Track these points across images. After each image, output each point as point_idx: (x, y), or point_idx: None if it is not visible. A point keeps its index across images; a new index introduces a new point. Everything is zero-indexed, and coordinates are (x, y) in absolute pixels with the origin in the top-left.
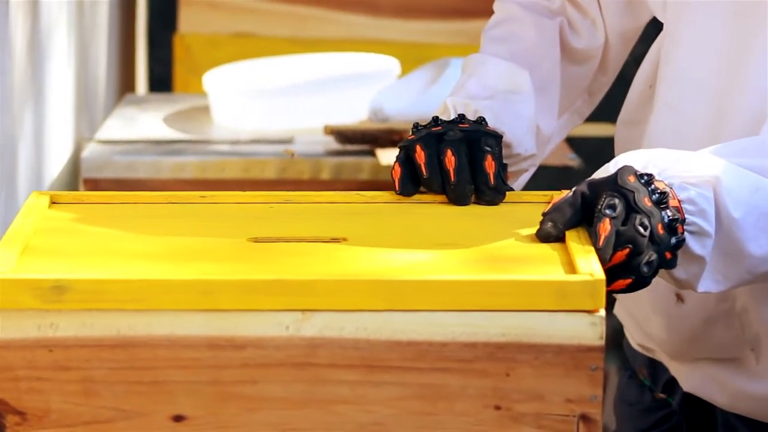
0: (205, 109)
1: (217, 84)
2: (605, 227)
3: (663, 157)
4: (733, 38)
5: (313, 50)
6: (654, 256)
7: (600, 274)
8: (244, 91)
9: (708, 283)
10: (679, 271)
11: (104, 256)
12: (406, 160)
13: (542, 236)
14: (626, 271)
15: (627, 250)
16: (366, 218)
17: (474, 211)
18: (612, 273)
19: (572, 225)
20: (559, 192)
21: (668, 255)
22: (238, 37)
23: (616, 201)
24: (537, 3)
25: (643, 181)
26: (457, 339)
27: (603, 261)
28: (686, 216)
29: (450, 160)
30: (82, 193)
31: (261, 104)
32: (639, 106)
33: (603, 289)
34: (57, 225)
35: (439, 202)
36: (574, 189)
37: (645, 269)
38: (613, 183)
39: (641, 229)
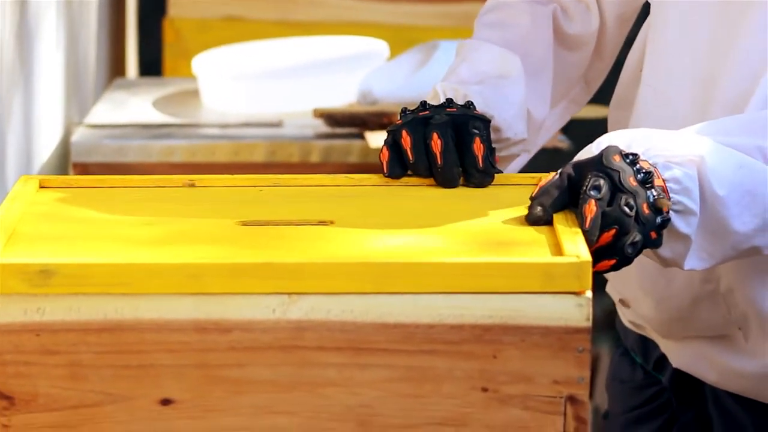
0: (195, 93)
1: (207, 68)
2: (591, 209)
3: (646, 136)
4: (719, 21)
5: (302, 33)
6: (638, 237)
7: (586, 255)
8: (233, 75)
9: (693, 261)
10: (664, 250)
11: (92, 240)
12: (393, 144)
13: (531, 220)
14: (611, 252)
15: (613, 231)
16: (354, 201)
17: (462, 193)
18: (597, 254)
19: (560, 207)
20: (546, 174)
21: (653, 234)
22: (227, 21)
23: (602, 182)
24: None
25: (628, 160)
26: (444, 321)
27: (589, 242)
28: (671, 195)
29: (436, 143)
30: (71, 177)
31: (250, 88)
32: (630, 88)
33: (589, 271)
34: (45, 209)
35: (427, 185)
36: (560, 171)
37: (629, 250)
38: (599, 163)
39: (627, 210)
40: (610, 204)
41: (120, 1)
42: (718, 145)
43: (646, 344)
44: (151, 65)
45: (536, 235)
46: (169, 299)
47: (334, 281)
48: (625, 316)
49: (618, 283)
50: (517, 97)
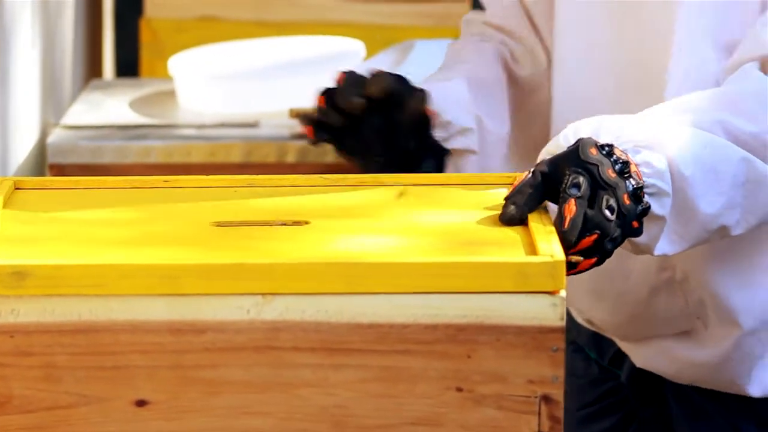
0: (171, 94)
1: (183, 68)
2: (570, 208)
3: (611, 122)
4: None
5: (278, 33)
6: (617, 233)
7: (560, 255)
8: (209, 75)
9: (664, 245)
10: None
11: (67, 241)
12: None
13: (505, 220)
14: (592, 252)
15: (595, 236)
16: (329, 201)
17: (436, 194)
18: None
19: (534, 206)
20: (521, 174)
21: (635, 224)
22: (204, 21)
23: (581, 179)
24: (477, 36)
25: (604, 152)
26: (418, 321)
27: (567, 244)
28: (644, 179)
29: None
30: (46, 179)
31: (226, 88)
32: None
33: (563, 271)
34: (20, 211)
35: (402, 184)
36: (532, 169)
37: (609, 246)
38: (576, 158)
39: (608, 214)
40: (590, 201)
41: (96, 2)
42: (682, 125)
43: (601, 340)
44: (128, 66)
45: (510, 234)
46: (143, 300)
47: (308, 282)
48: (580, 315)
49: (568, 295)
50: (458, 92)
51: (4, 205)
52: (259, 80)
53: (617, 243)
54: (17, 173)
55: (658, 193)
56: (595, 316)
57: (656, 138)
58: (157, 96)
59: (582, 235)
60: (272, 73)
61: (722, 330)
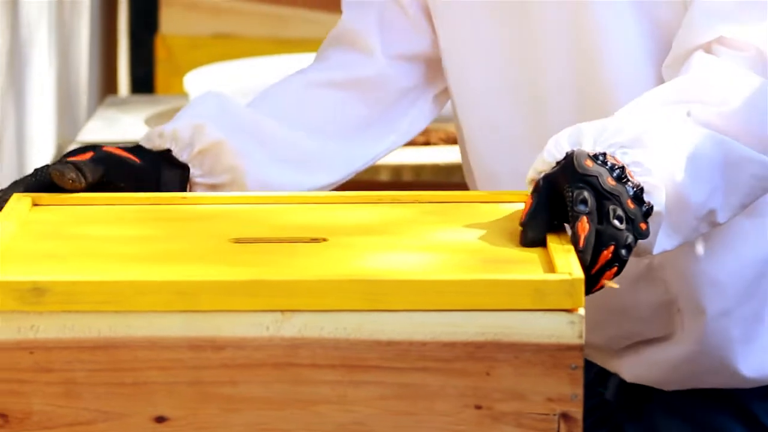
0: None
1: (199, 85)
2: (584, 227)
3: (589, 128)
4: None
5: (294, 51)
6: (630, 238)
7: (579, 273)
8: (225, 92)
9: (663, 241)
10: None
11: (86, 257)
12: None
13: (527, 245)
14: (610, 264)
15: (612, 248)
16: (347, 218)
17: (453, 211)
18: (599, 270)
19: (548, 227)
20: (526, 194)
21: (643, 226)
22: (219, 38)
23: (585, 193)
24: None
25: (599, 161)
26: (437, 338)
27: (585, 262)
28: (637, 178)
29: None
30: (63, 195)
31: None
32: None
33: (581, 288)
34: (38, 227)
35: (419, 202)
36: (535, 190)
37: (624, 254)
38: (573, 172)
39: (617, 223)
40: (597, 213)
41: (112, 19)
42: (656, 119)
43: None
44: (143, 82)
45: (528, 252)
46: (162, 317)
47: (327, 298)
48: None
49: None
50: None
51: (23, 222)
52: None
53: (631, 249)
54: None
55: (653, 190)
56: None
57: (637, 136)
58: (172, 112)
59: (598, 251)
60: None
61: (694, 319)
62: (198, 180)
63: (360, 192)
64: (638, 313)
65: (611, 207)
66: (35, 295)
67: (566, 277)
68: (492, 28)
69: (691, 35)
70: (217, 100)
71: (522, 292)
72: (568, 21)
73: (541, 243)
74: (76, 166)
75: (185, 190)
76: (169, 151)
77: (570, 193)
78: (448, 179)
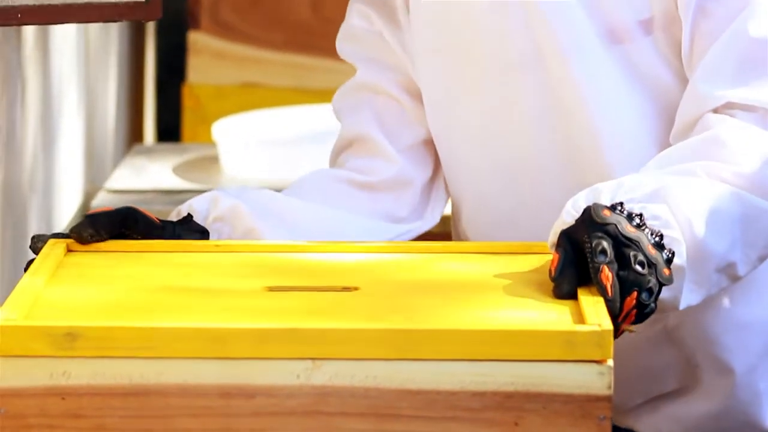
0: (214, 159)
1: (227, 134)
2: (607, 276)
3: (606, 186)
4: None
5: (317, 100)
6: (653, 282)
7: (608, 324)
8: (254, 141)
9: (687, 295)
10: (663, 291)
11: (118, 303)
12: None
13: (561, 297)
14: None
15: (635, 294)
16: (378, 267)
17: (484, 261)
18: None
19: (577, 281)
20: (546, 248)
21: (666, 272)
22: (245, 87)
23: (604, 243)
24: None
25: (617, 211)
26: (466, 388)
27: (614, 311)
28: (659, 230)
29: None
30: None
31: (270, 154)
32: None
33: (611, 340)
34: (72, 272)
35: (448, 252)
36: (559, 245)
37: (645, 296)
38: (592, 223)
39: (640, 269)
40: (618, 261)
41: (139, 68)
42: (672, 176)
43: None
44: (169, 131)
45: (557, 303)
46: (194, 363)
47: (357, 347)
48: None
49: None
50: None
51: (58, 267)
52: (303, 146)
53: (653, 293)
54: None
55: (672, 243)
56: None
57: (654, 190)
58: (199, 161)
59: (623, 298)
60: (314, 140)
61: (718, 376)
62: None
63: (392, 242)
64: (655, 372)
65: (632, 253)
66: (68, 340)
67: (596, 328)
68: (478, 111)
69: (697, 105)
70: (231, 189)
71: (552, 343)
72: (552, 105)
73: (574, 296)
74: (93, 221)
75: None
76: (188, 217)
77: (589, 245)
78: None
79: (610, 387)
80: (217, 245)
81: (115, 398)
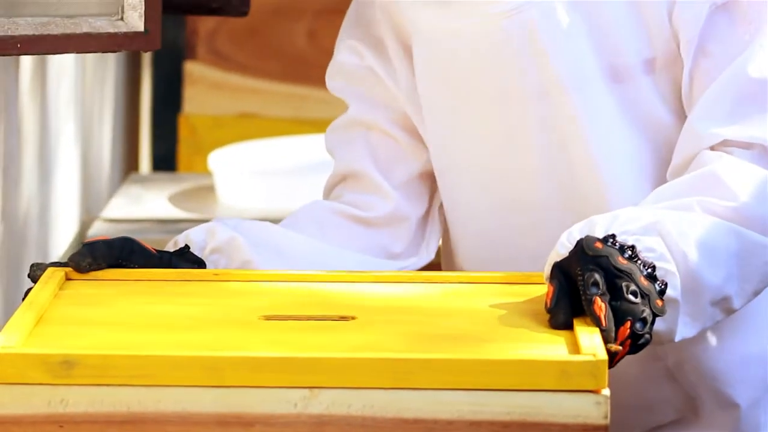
0: (210, 189)
1: (223, 164)
2: (600, 306)
3: (601, 219)
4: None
5: (313, 130)
6: (647, 312)
7: (603, 354)
8: (250, 171)
9: (682, 328)
10: (658, 323)
11: (116, 332)
12: None
13: (557, 328)
14: (626, 339)
15: (628, 323)
16: (375, 297)
17: (480, 291)
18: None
19: (573, 311)
20: (541, 279)
21: (659, 303)
22: (241, 118)
23: (596, 276)
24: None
25: (609, 243)
26: (463, 417)
27: (609, 340)
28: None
29: None
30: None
31: (267, 184)
32: None
33: (606, 369)
34: (71, 301)
35: (445, 282)
36: (553, 277)
37: (638, 326)
38: (583, 255)
39: (633, 298)
40: (611, 292)
41: (135, 98)
42: (668, 210)
43: None
44: (164, 160)
45: (552, 333)
46: (191, 392)
47: (354, 376)
48: None
49: None
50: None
51: (56, 295)
52: (299, 176)
53: (648, 324)
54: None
55: (667, 276)
56: None
57: (649, 224)
58: (195, 191)
59: (617, 327)
60: (311, 170)
61: (721, 410)
62: None
63: (388, 271)
64: (653, 403)
65: (624, 284)
66: (65, 368)
67: (590, 358)
68: (481, 147)
69: (694, 142)
70: (229, 221)
71: (547, 373)
72: (553, 142)
73: (570, 326)
74: (92, 249)
75: None
76: (184, 248)
77: (581, 278)
78: None
79: (606, 416)
80: (215, 274)
81: (113, 426)
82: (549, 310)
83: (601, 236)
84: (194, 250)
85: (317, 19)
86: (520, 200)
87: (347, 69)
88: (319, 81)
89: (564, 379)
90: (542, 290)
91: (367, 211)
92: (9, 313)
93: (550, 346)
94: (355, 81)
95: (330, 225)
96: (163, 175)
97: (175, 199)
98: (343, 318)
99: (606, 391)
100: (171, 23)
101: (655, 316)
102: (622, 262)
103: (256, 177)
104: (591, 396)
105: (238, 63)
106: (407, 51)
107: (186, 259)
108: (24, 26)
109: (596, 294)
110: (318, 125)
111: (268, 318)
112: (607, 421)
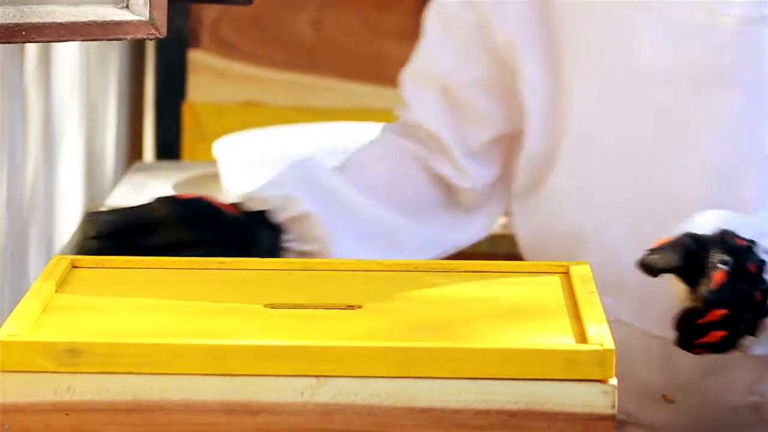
0: (214, 177)
1: (228, 152)
2: (722, 275)
3: (749, 223)
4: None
5: (318, 119)
6: (749, 317)
7: (610, 344)
8: (255, 159)
9: (761, 347)
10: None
11: (122, 320)
12: None
13: (644, 265)
14: (721, 326)
15: (723, 312)
16: (383, 285)
17: (489, 279)
18: (704, 327)
19: (672, 267)
20: (565, 265)
21: (759, 323)
22: (245, 106)
23: (727, 257)
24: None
25: (746, 246)
26: (471, 406)
27: (704, 305)
28: None
29: None
30: (103, 258)
31: (270, 172)
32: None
33: (613, 359)
34: (76, 289)
35: (454, 271)
36: (678, 238)
37: (742, 327)
38: (723, 242)
39: (744, 295)
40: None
41: (139, 86)
42: None
43: None
44: (168, 149)
45: (562, 321)
46: (198, 380)
47: (361, 364)
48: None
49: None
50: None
51: (62, 283)
52: None
53: (747, 330)
54: (62, 254)
55: None
56: (650, 418)
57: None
58: (200, 179)
59: (717, 306)
60: (317, 158)
61: None
62: (290, 245)
63: (396, 260)
64: (728, 427)
65: (743, 283)
66: (71, 356)
67: (597, 347)
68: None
69: None
70: (308, 170)
71: (554, 362)
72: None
73: (655, 274)
74: (100, 226)
75: (277, 256)
76: (263, 212)
77: (714, 256)
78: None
79: (613, 406)
80: (221, 262)
81: (119, 414)
82: (648, 250)
83: (743, 236)
84: (272, 212)
85: (322, 8)
86: (671, 195)
87: (452, 19)
88: (323, 69)
89: (571, 369)
90: (552, 280)
91: (433, 162)
92: (14, 301)
93: (558, 336)
94: (457, 33)
95: (398, 179)
96: (167, 164)
97: (179, 187)
98: (350, 306)
99: (613, 381)
100: (175, 12)
101: (753, 331)
102: (752, 269)
103: (260, 165)
104: (598, 385)
105: (242, 51)
106: None
107: (266, 224)
108: (29, 14)
109: (725, 270)
110: (322, 114)
111: (275, 306)
112: (614, 411)
